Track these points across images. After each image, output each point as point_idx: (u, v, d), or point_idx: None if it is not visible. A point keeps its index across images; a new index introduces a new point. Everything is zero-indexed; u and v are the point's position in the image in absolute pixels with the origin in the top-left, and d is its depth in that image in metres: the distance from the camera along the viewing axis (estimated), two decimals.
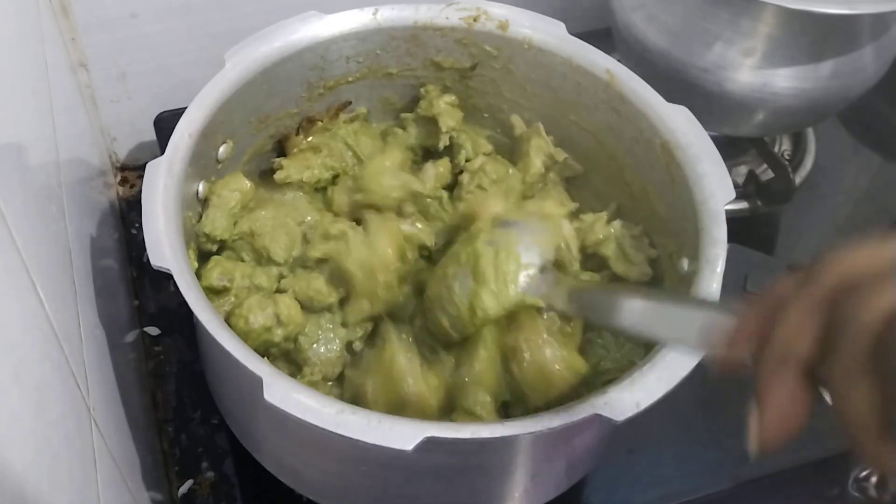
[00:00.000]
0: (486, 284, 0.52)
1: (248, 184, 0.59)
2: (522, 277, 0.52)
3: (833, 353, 0.26)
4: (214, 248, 0.58)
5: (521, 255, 0.52)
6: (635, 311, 0.45)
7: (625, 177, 0.62)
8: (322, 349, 0.56)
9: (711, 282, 0.49)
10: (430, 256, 0.62)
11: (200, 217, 0.58)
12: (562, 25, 0.62)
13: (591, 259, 0.61)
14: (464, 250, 0.54)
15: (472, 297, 0.52)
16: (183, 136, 0.54)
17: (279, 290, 0.57)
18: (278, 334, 0.54)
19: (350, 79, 0.65)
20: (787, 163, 0.79)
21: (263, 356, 0.48)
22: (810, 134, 0.86)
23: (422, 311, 0.57)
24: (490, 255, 0.52)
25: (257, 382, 0.42)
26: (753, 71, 0.68)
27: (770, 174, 0.79)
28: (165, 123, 0.78)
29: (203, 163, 0.57)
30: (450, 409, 0.53)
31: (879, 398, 0.24)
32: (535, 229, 0.55)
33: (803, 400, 0.27)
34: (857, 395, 0.25)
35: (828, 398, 0.26)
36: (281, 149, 0.66)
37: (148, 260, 0.46)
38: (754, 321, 0.30)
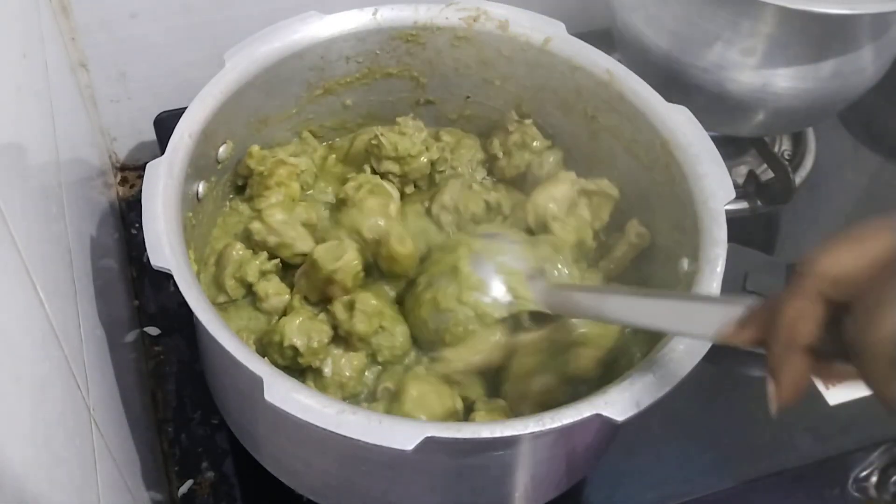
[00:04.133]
0: (479, 289, 0.53)
1: None
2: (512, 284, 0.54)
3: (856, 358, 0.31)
4: None
5: (508, 263, 0.54)
6: (627, 308, 0.46)
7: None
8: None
9: (711, 282, 0.49)
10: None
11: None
12: (562, 25, 0.62)
13: None
14: (444, 259, 0.56)
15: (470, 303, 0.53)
16: (183, 136, 0.54)
17: None
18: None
19: (350, 79, 0.65)
20: (787, 163, 0.79)
21: None
22: (810, 134, 0.86)
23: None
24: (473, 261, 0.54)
25: (257, 382, 0.42)
26: (753, 71, 0.68)
27: (770, 174, 0.79)
28: (165, 123, 0.78)
29: (203, 163, 0.57)
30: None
31: None
32: (516, 241, 0.57)
33: (807, 372, 0.34)
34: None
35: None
36: None
37: (148, 260, 0.47)
38: (760, 312, 0.36)
